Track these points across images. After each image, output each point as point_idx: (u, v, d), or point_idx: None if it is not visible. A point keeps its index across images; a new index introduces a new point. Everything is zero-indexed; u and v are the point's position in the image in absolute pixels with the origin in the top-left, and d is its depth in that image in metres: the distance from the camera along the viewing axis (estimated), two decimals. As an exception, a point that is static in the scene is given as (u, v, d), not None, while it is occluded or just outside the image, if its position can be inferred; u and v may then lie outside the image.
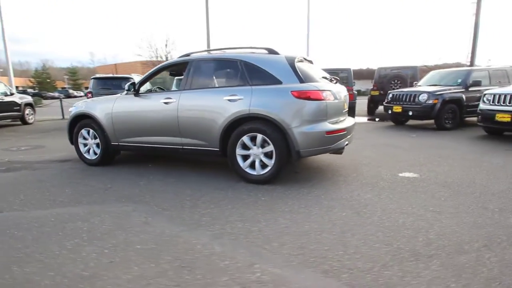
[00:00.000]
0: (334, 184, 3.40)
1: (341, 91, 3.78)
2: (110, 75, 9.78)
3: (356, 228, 2.33)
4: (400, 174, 3.77)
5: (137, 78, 8.78)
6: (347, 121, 3.83)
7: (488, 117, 5.92)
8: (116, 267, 1.86)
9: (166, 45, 31.55)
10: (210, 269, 1.82)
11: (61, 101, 13.22)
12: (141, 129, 4.03)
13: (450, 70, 8.77)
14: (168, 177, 3.79)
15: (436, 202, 2.85)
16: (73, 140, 4.61)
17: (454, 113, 7.47)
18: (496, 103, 5.77)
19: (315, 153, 3.34)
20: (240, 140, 3.45)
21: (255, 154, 3.43)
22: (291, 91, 3.23)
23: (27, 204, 3.00)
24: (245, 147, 3.47)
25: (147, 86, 4.67)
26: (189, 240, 2.20)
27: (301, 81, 3.31)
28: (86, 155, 4.56)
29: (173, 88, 7.61)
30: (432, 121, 7.68)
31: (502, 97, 5.68)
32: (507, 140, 5.88)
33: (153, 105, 3.93)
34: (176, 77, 6.99)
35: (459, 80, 7.81)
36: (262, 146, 3.38)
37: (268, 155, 3.38)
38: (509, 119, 5.47)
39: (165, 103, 3.81)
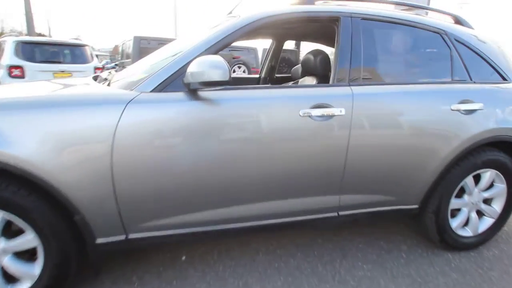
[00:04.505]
0: None
1: None
2: None
3: None
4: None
5: None
6: None
7: None
8: None
9: None
10: None
11: None
12: (228, 188, 1.48)
13: None
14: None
15: None
16: None
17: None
18: None
19: None
20: (462, 182, 1.89)
21: (473, 203, 1.99)
22: (534, 97, 2.00)
23: None
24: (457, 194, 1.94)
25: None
26: None
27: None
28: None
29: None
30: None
31: None
32: None
33: (268, 124, 1.46)
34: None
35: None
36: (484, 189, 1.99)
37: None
38: None
39: (313, 117, 1.51)
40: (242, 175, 1.49)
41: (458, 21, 2.06)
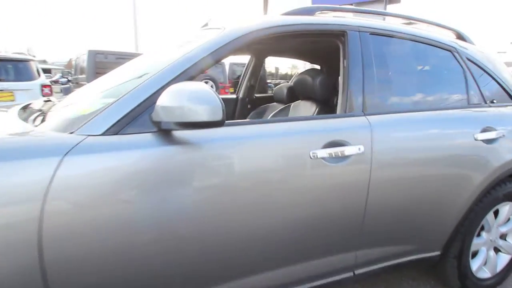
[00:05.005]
0: None
1: None
2: None
3: None
4: None
5: None
6: None
7: None
8: None
9: None
10: None
11: None
12: (218, 259, 1.07)
13: None
14: None
15: None
16: None
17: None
18: None
19: None
20: (483, 220, 1.64)
21: (491, 241, 1.75)
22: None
23: None
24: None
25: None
26: None
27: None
28: None
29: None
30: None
31: None
32: None
33: (271, 172, 1.08)
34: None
35: None
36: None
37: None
38: None
39: (327, 159, 1.14)
40: (238, 240, 1.09)
41: (460, 36, 1.88)
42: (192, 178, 1.01)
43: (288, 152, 1.12)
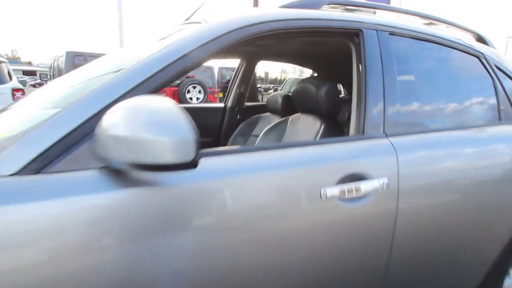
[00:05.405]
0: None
1: None
2: None
3: None
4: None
5: None
6: None
7: None
8: None
9: None
10: None
11: None
12: None
13: None
14: None
15: None
16: None
17: None
18: None
19: None
20: (514, 258, 1.39)
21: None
22: None
23: None
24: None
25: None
26: None
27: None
28: None
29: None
30: None
31: None
32: None
33: (267, 220, 0.79)
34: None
35: None
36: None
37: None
38: None
39: (343, 200, 0.86)
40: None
41: (482, 39, 1.63)
42: (153, 233, 0.69)
43: (291, 191, 0.82)
